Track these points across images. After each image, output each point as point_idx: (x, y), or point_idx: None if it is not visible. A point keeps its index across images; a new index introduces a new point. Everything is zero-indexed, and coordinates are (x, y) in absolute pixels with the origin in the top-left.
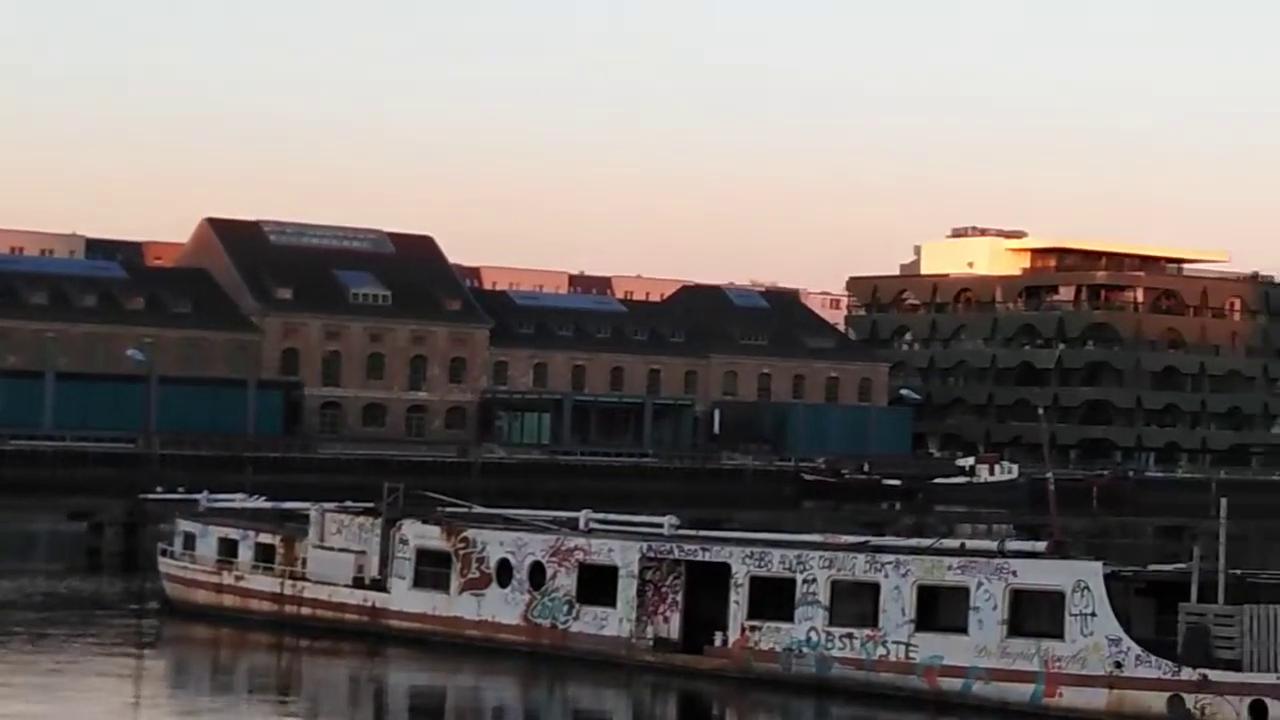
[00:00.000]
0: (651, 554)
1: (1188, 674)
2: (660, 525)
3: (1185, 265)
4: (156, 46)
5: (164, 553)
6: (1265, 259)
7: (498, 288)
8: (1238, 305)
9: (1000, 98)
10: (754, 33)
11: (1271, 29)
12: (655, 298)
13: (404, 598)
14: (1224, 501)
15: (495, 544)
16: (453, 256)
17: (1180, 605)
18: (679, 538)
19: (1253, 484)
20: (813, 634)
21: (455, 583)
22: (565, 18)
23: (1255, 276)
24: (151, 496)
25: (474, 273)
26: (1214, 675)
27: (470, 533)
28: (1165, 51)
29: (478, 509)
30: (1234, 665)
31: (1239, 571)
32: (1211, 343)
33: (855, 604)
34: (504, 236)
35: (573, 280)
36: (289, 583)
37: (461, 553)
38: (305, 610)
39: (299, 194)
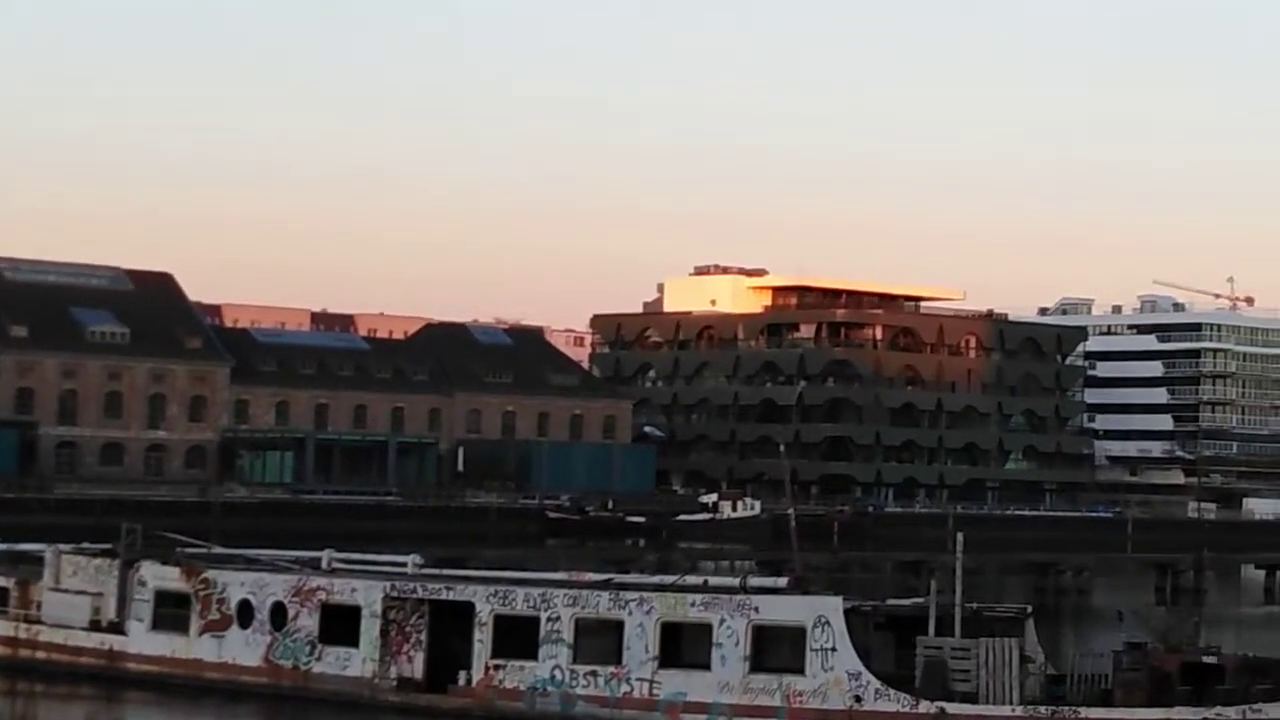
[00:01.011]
0: (395, 593)
1: (926, 707)
2: (404, 564)
3: (923, 303)
4: None
5: None
6: (1000, 297)
7: (239, 325)
8: (973, 342)
9: (741, 135)
10: (497, 68)
11: (998, 71)
12: (399, 335)
13: (142, 640)
14: (960, 536)
15: (236, 585)
16: (193, 294)
17: (918, 639)
18: (423, 577)
19: (988, 518)
20: (557, 672)
21: (195, 624)
22: (299, 52)
23: (990, 314)
24: None
25: (215, 310)
26: (951, 708)
27: (210, 574)
28: (898, 91)
29: (218, 549)
30: (970, 697)
31: (975, 605)
32: (948, 379)
33: (599, 642)
34: (245, 273)
35: (315, 318)
36: (24, 626)
37: (201, 594)
38: (41, 654)
39: (35, 231)
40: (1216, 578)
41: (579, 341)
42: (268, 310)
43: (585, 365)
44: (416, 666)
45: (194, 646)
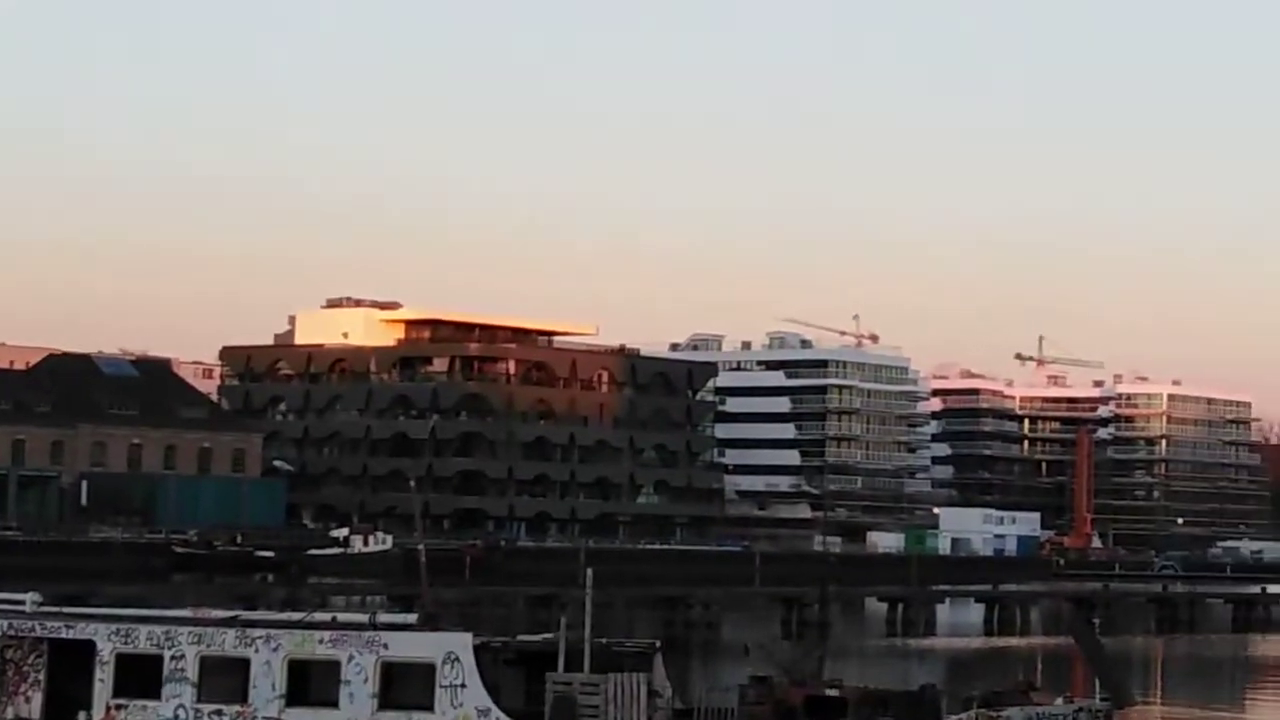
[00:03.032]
0: (12, 632)
1: None
2: (22, 602)
3: (556, 337)
4: None
5: None
6: (633, 333)
7: None
8: (606, 377)
9: (351, 181)
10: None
11: (613, 108)
12: (20, 365)
13: None
14: (590, 571)
15: None
16: None
17: (548, 675)
18: (41, 615)
19: (620, 553)
20: (181, 711)
21: None
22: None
23: (623, 349)
24: None
25: None
26: None
27: None
28: (519, 122)
29: None
30: None
31: (604, 640)
32: (581, 414)
33: (225, 680)
34: None
35: None
36: None
37: None
38: None
39: None
40: (841, 611)
41: (208, 374)
42: None
43: (214, 398)
44: (34, 707)
45: None
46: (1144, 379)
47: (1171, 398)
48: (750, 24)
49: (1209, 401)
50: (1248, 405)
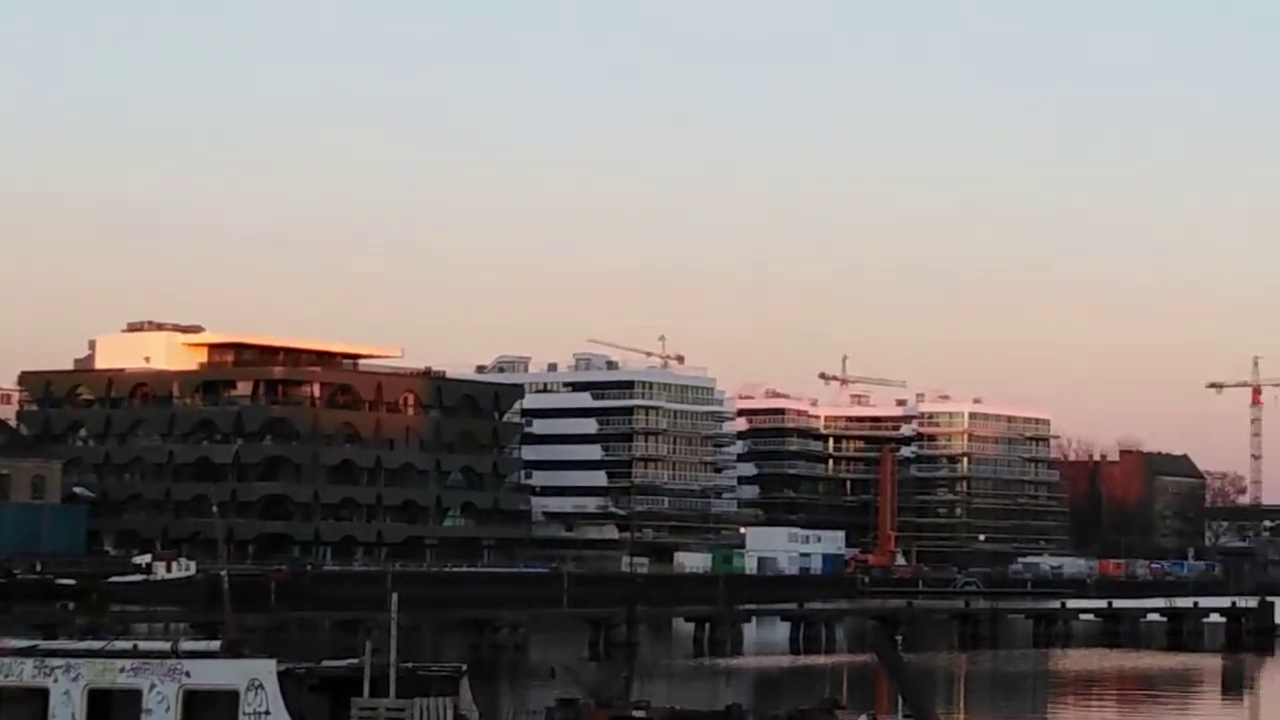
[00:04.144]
0: None
1: None
2: None
3: (361, 360)
4: None
5: None
6: (438, 355)
7: None
8: (411, 400)
9: (165, 213)
10: None
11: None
12: None
13: None
14: (395, 596)
15: None
16: None
17: (354, 700)
18: None
19: (426, 576)
20: None
21: None
22: None
23: (428, 371)
24: None
25: None
26: None
27: None
28: (320, 155)
29: None
30: None
31: (410, 665)
32: (387, 437)
33: (23, 710)
34: None
35: None
36: None
37: None
38: None
39: None
40: (649, 631)
41: (6, 399)
42: None
43: (13, 424)
44: None
45: None
46: (946, 397)
47: (973, 416)
48: (531, 45)
49: (1009, 419)
50: (1047, 423)
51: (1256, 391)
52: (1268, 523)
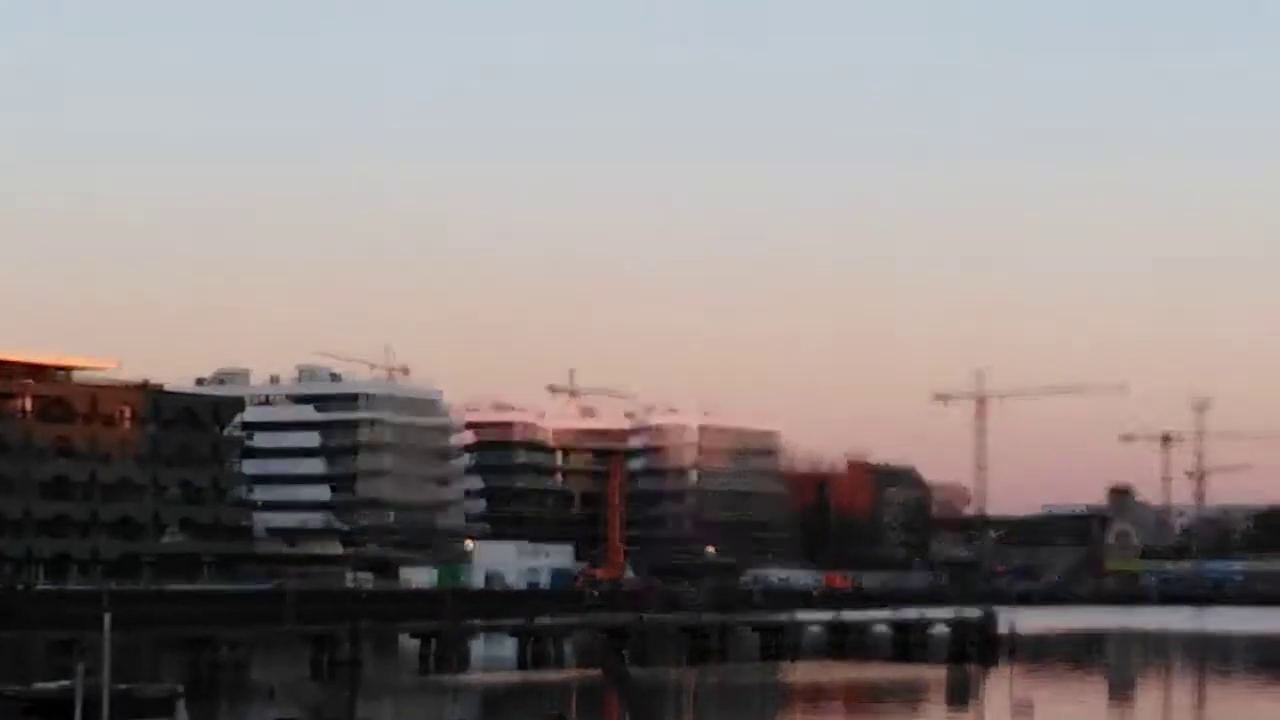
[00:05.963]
0: None
1: None
2: None
3: (75, 372)
4: None
5: None
6: (157, 368)
7: None
8: (128, 413)
9: None
10: None
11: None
12: None
13: None
14: (108, 616)
15: None
16: None
17: None
18: None
19: (144, 594)
20: None
21: None
22: None
23: (145, 384)
24: None
25: None
26: None
27: None
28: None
29: None
30: None
31: (124, 686)
32: (103, 451)
33: None
34: None
35: None
36: None
37: None
38: None
39: None
40: (374, 648)
41: None
42: None
43: None
44: None
45: None
46: (674, 410)
47: (702, 428)
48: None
49: (738, 432)
50: (776, 435)
51: (981, 403)
52: (993, 533)
